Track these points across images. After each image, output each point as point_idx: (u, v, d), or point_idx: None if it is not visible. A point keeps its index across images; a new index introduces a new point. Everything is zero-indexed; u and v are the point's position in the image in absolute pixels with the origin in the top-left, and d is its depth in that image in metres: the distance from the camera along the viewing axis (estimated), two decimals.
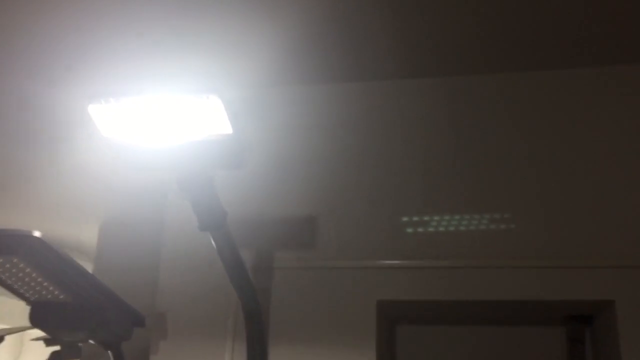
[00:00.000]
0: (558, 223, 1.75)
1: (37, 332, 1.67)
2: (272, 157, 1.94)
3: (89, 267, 3.78)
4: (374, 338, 1.73)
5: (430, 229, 1.80)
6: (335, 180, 1.89)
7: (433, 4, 1.58)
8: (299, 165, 1.92)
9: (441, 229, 1.80)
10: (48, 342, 1.94)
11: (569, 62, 1.81)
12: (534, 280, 1.73)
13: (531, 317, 1.93)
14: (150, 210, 1.98)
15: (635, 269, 1.66)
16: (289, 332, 1.77)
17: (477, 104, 1.90)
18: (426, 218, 1.81)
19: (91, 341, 1.74)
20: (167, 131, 1.27)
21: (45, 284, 1.42)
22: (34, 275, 1.39)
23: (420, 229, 1.80)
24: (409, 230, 1.80)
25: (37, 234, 1.27)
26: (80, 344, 1.85)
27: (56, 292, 1.46)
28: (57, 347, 1.97)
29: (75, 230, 3.04)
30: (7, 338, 2.06)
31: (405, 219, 1.81)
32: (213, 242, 1.51)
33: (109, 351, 1.78)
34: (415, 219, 1.81)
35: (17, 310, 1.99)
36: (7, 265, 1.35)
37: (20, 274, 1.39)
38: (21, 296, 1.51)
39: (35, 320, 1.56)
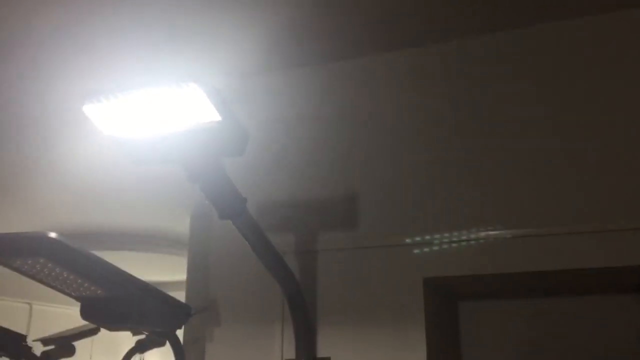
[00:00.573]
0: (623, 183, 1.58)
1: None
2: (310, 138, 1.90)
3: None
4: (422, 317, 1.66)
5: (476, 199, 1.69)
6: (375, 157, 1.83)
7: None
8: (338, 145, 1.87)
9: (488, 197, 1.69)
10: (134, 332, 2.05)
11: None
12: (601, 246, 1.58)
13: (600, 286, 1.78)
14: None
15: None
16: (336, 315, 1.74)
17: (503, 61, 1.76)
18: (471, 187, 1.70)
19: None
20: (158, 123, 1.28)
21: (79, 280, 1.48)
22: (65, 273, 1.44)
23: (463, 200, 1.70)
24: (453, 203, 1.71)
25: (52, 235, 1.32)
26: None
27: (92, 288, 1.52)
28: (142, 336, 2.08)
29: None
30: None
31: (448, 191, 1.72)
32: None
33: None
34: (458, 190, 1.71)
35: None
36: (38, 266, 1.42)
37: (53, 273, 1.45)
38: (66, 294, 1.58)
39: (86, 315, 1.63)
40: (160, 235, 3.90)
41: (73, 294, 1.56)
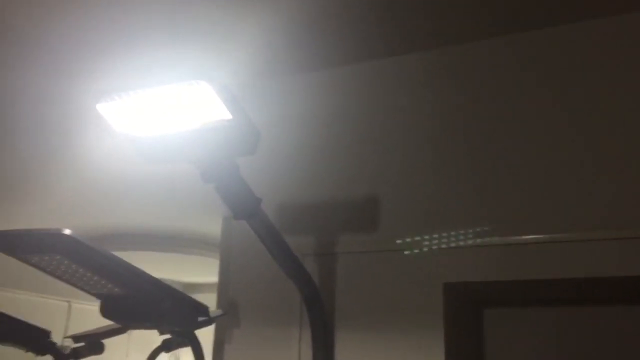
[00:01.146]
0: None
1: None
2: (333, 141, 1.89)
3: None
4: (441, 322, 1.63)
5: (500, 204, 1.65)
6: (398, 160, 1.80)
7: None
8: (361, 147, 1.85)
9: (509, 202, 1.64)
10: (161, 331, 2.06)
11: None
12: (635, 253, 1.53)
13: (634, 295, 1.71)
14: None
15: None
16: (354, 318, 1.72)
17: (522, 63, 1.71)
18: (495, 191, 1.66)
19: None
20: (170, 122, 1.29)
21: (95, 278, 1.49)
22: (81, 270, 1.46)
23: (487, 205, 1.66)
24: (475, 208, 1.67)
25: (67, 231, 1.33)
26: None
27: (109, 286, 1.53)
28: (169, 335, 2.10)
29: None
30: None
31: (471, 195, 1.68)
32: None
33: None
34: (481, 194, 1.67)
35: None
36: (55, 263, 1.44)
37: (70, 270, 1.47)
38: (86, 291, 1.60)
39: (105, 313, 1.64)
40: (192, 236, 3.93)
41: (92, 291, 1.58)
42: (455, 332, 1.69)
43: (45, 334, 1.95)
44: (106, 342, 2.65)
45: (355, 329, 1.71)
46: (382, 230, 1.75)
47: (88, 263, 1.42)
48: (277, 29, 1.69)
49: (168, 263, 4.45)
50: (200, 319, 1.87)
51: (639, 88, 1.60)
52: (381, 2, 1.59)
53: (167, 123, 1.30)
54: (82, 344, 2.64)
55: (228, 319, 1.87)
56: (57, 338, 2.07)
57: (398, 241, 1.72)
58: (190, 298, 1.68)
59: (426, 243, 1.69)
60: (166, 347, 2.29)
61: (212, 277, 2.61)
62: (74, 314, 4.78)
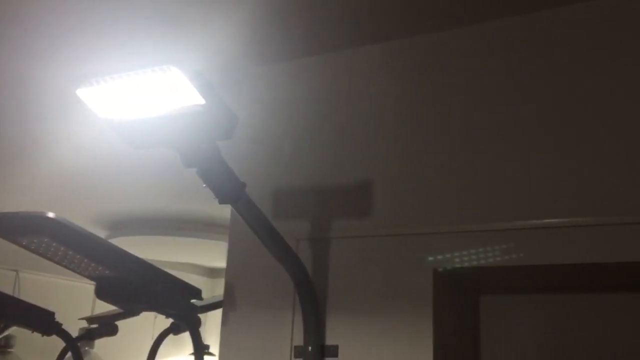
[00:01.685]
0: None
1: None
2: (324, 127, 1.89)
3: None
4: (430, 308, 1.62)
5: (494, 189, 1.63)
6: (391, 145, 1.79)
7: None
8: (353, 132, 1.85)
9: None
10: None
11: None
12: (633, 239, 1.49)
13: (631, 282, 1.68)
14: None
15: None
16: (346, 303, 1.72)
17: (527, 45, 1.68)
18: (488, 176, 1.64)
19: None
20: (149, 107, 1.30)
21: (85, 260, 1.53)
22: (70, 253, 1.50)
23: (480, 191, 1.64)
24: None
25: (51, 214, 1.37)
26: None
27: (100, 268, 1.57)
28: None
29: None
30: None
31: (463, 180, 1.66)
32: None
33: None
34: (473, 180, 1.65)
35: None
36: (44, 245, 1.48)
37: (60, 253, 1.51)
38: (79, 273, 1.64)
39: (99, 294, 1.68)
40: (212, 220, 3.97)
41: (84, 273, 1.62)
42: (446, 317, 1.68)
43: (50, 314, 2.00)
44: (132, 324, 2.72)
45: (347, 313, 1.71)
46: (375, 216, 1.75)
47: (75, 246, 1.46)
48: (266, 16, 1.69)
49: (193, 248, 4.51)
50: (198, 303, 1.90)
51: (630, 74, 1.56)
52: None
53: (146, 108, 1.31)
54: (95, 325, 2.71)
55: (226, 302, 1.89)
56: None
57: (389, 226, 1.72)
58: (182, 281, 1.71)
59: (418, 228, 1.68)
60: (174, 329, 2.34)
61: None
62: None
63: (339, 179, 1.82)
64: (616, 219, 1.50)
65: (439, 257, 1.65)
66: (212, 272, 5.28)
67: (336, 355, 1.68)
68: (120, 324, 2.61)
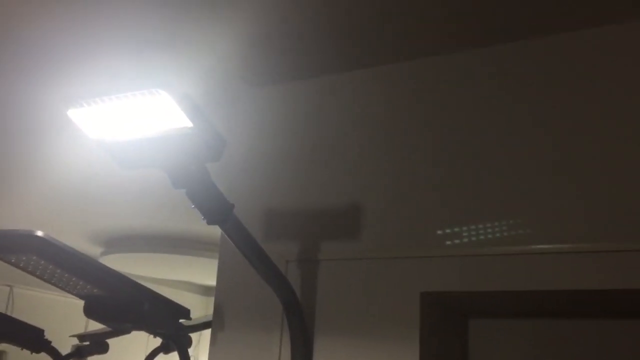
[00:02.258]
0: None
1: None
2: (315, 147, 1.90)
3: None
4: (417, 332, 1.62)
5: (483, 214, 1.64)
6: (380, 168, 1.80)
7: None
8: (343, 155, 1.86)
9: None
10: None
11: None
12: (625, 267, 1.49)
13: (624, 309, 1.68)
14: None
15: None
16: (334, 325, 1.72)
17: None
18: (478, 200, 1.65)
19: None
20: (138, 129, 1.32)
21: (73, 279, 1.54)
22: (58, 271, 1.51)
23: (468, 215, 1.65)
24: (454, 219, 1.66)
25: (39, 233, 1.38)
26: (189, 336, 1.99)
27: (88, 287, 1.58)
28: None
29: None
30: None
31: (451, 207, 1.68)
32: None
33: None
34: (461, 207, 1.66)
35: None
36: (32, 264, 1.49)
37: (48, 271, 1.52)
38: (68, 292, 1.65)
39: (87, 312, 1.69)
40: (204, 239, 3.98)
41: (73, 291, 1.63)
42: (433, 341, 1.68)
43: (39, 332, 2.01)
44: (124, 342, 2.71)
45: (335, 335, 1.71)
46: (364, 239, 1.76)
47: (63, 264, 1.47)
48: (257, 39, 1.72)
49: (187, 265, 4.51)
50: (187, 323, 1.90)
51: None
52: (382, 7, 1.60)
53: (135, 129, 1.33)
54: (86, 343, 2.70)
55: (215, 321, 1.89)
56: None
57: (378, 249, 1.73)
58: (171, 301, 1.71)
59: (407, 251, 1.69)
60: (164, 348, 2.34)
61: None
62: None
63: (328, 202, 1.83)
64: (607, 245, 1.51)
65: (427, 281, 1.65)
66: (206, 290, 5.28)
67: None
68: (112, 342, 2.61)
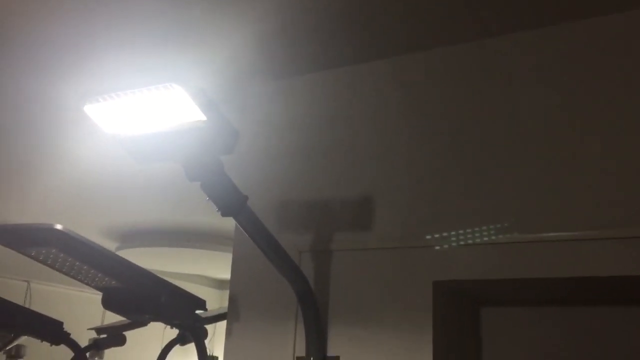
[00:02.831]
0: None
1: None
2: (327, 138, 1.92)
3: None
4: (430, 320, 1.64)
5: (493, 201, 1.66)
6: (392, 158, 1.82)
7: None
8: (356, 146, 1.88)
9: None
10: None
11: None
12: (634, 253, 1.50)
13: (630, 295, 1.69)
14: None
15: None
16: (347, 315, 1.74)
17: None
18: (490, 189, 1.66)
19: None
20: (154, 123, 1.34)
21: (92, 271, 1.57)
22: (77, 264, 1.54)
23: (479, 203, 1.67)
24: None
25: (58, 226, 1.41)
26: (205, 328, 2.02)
27: (106, 279, 1.61)
28: None
29: None
30: None
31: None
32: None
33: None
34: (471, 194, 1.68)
35: None
36: (52, 257, 1.52)
37: (67, 264, 1.55)
38: (86, 284, 1.68)
39: (105, 304, 1.72)
40: (218, 232, 4.01)
41: (91, 284, 1.66)
42: (446, 330, 1.70)
43: (58, 324, 2.04)
44: (141, 334, 2.75)
45: (348, 325, 1.73)
46: (377, 229, 1.78)
47: (82, 257, 1.50)
48: (271, 33, 1.74)
49: (201, 259, 4.55)
50: (203, 314, 1.93)
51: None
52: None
53: (150, 124, 1.35)
54: (104, 335, 2.74)
55: (230, 312, 1.92)
56: None
57: (390, 239, 1.75)
58: (187, 292, 1.74)
59: (420, 241, 1.71)
60: (181, 339, 2.37)
61: None
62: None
63: (341, 192, 1.86)
64: (616, 232, 1.52)
65: (439, 270, 1.67)
66: (220, 284, 5.32)
67: None
68: (129, 334, 2.65)
